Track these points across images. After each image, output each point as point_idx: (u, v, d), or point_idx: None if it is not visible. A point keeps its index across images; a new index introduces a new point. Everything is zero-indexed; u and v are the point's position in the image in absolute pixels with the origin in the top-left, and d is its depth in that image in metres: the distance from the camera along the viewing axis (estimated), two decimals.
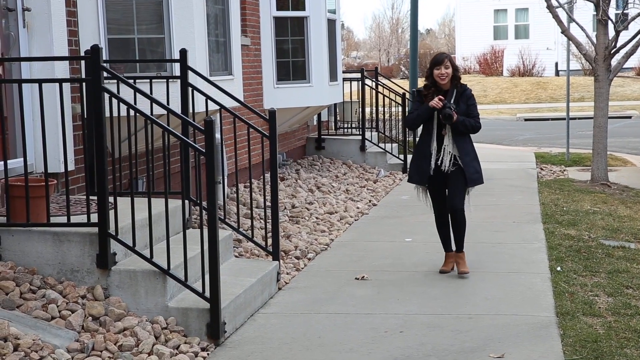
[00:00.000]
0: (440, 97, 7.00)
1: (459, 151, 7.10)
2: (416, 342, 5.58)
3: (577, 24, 13.32)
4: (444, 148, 7.10)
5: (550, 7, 13.21)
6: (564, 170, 14.71)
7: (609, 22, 12.72)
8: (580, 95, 30.83)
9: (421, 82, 7.01)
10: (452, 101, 7.08)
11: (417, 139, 7.49)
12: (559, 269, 7.41)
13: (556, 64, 38.26)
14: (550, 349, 5.40)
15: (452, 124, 7.03)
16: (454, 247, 7.36)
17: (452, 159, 7.09)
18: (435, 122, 7.11)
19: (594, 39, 12.89)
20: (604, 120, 12.85)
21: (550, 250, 8.15)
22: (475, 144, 7.21)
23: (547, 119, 27.12)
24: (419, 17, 16.51)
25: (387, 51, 60.45)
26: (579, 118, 23.90)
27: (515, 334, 5.69)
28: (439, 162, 7.10)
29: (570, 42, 13.80)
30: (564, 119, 17.69)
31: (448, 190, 7.18)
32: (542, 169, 14.74)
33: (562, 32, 13.60)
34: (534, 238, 8.76)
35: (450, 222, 7.29)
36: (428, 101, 7.09)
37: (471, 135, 7.25)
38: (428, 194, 7.35)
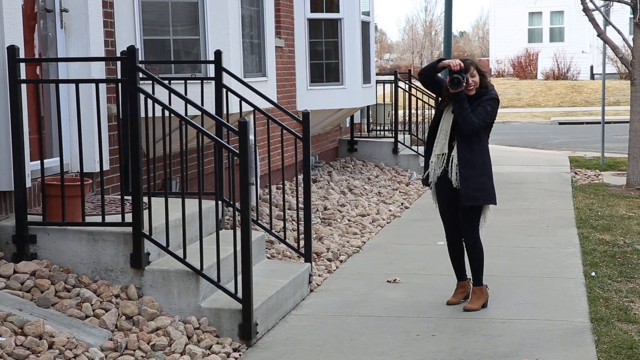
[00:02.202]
0: (462, 63, 6.14)
1: (460, 162, 6.16)
2: (448, 345, 5.55)
3: (614, 27, 13.19)
4: (452, 158, 6.22)
5: (586, 10, 13.10)
6: (599, 174, 14.57)
7: None
8: (616, 99, 30.49)
9: None
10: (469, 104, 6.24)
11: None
12: (593, 274, 7.34)
13: (591, 68, 37.91)
14: (585, 355, 5.34)
15: (455, 94, 6.08)
16: (469, 274, 6.49)
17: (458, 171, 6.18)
18: (445, 120, 6.28)
19: (631, 42, 12.75)
20: None
21: (585, 255, 8.08)
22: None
23: (582, 123, 26.87)
24: (453, 20, 16.44)
25: (420, 54, 60.28)
26: (614, 122, 23.64)
27: (549, 339, 5.64)
28: (449, 175, 6.23)
29: (607, 45, 13.66)
30: (598, 123, 17.53)
31: (459, 212, 6.31)
32: (576, 173, 14.61)
33: (598, 36, 13.47)
34: (568, 243, 8.69)
35: (466, 249, 6.41)
36: (444, 107, 6.32)
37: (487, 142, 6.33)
38: (436, 203, 6.48)
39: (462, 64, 6.13)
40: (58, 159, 5.87)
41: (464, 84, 6.11)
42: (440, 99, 6.46)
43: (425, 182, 6.47)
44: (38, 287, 5.48)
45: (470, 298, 6.40)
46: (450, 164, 6.20)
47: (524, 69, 38.63)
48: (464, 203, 6.17)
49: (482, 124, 6.15)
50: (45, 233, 5.78)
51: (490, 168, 6.29)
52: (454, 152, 6.19)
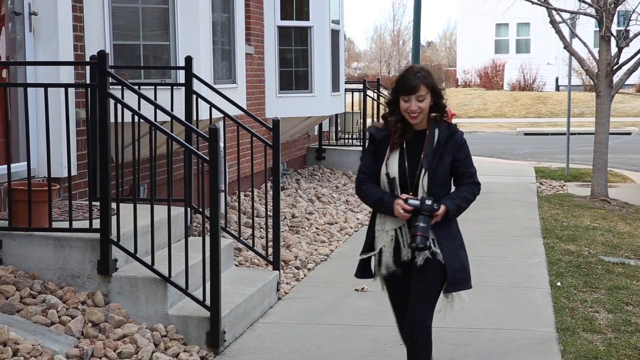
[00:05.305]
0: (404, 205, 4.29)
1: (437, 233, 4.36)
2: None
3: (580, 39, 13.35)
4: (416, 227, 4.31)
5: (553, 22, 13.24)
6: (564, 185, 14.72)
7: (612, 38, 12.75)
8: (581, 110, 30.86)
9: None
10: (430, 154, 4.33)
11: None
12: (559, 284, 7.41)
13: (557, 79, 38.33)
14: None
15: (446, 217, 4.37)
16: None
17: (428, 244, 4.34)
18: (399, 179, 4.39)
19: (597, 55, 12.92)
20: (604, 137, 12.87)
21: (550, 265, 8.15)
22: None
23: (547, 134, 27.15)
24: (421, 30, 16.55)
25: (388, 62, 60.55)
26: (579, 133, 23.92)
27: (516, 349, 5.68)
28: (412, 250, 4.40)
29: (573, 57, 13.82)
30: (563, 134, 17.72)
31: (411, 291, 4.47)
32: (541, 184, 14.75)
33: (564, 48, 13.63)
34: (534, 253, 8.76)
35: (405, 342, 4.63)
36: (387, 147, 4.40)
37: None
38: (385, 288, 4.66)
39: (410, 208, 4.30)
40: (25, 163, 5.81)
41: (430, 240, 4.33)
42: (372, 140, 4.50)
43: (364, 271, 4.63)
44: (3, 293, 5.41)
45: None
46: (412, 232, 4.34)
47: (491, 79, 38.96)
48: (451, 290, 4.46)
49: (478, 183, 4.52)
50: (11, 238, 5.71)
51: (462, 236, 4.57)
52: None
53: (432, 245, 4.37)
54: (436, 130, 4.39)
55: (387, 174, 4.40)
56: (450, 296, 4.54)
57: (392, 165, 4.40)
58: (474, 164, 4.50)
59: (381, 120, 4.51)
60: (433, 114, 4.40)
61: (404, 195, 4.34)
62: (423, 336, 4.45)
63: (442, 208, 4.34)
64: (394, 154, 4.40)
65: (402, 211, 4.31)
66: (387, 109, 4.46)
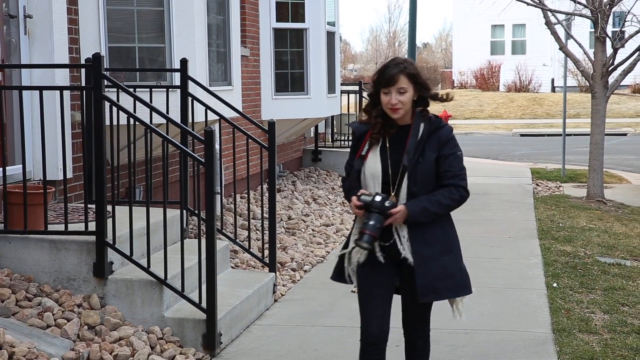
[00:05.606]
0: (355, 201, 4.02)
1: (412, 237, 4.04)
2: None
3: (576, 40, 13.37)
4: (396, 229, 4.06)
5: (548, 24, 13.27)
6: (560, 186, 14.73)
7: (607, 39, 12.77)
8: (576, 111, 30.90)
9: None
10: (413, 149, 4.00)
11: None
12: (555, 285, 7.42)
13: (552, 80, 38.37)
14: None
15: (413, 219, 4.02)
16: None
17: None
18: (382, 177, 4.07)
19: (592, 56, 12.94)
20: (600, 137, 12.89)
21: (546, 266, 8.16)
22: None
23: (543, 135, 27.19)
24: (417, 31, 16.56)
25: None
26: (575, 134, 23.95)
27: (512, 350, 5.68)
28: (399, 249, 4.08)
29: (568, 58, 13.84)
30: (559, 135, 17.74)
31: (403, 308, 4.33)
32: (537, 185, 14.77)
33: (560, 49, 13.65)
34: (530, 254, 8.77)
35: (405, 354, 4.45)
36: (368, 146, 4.10)
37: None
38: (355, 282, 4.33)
39: (359, 204, 4.00)
40: (20, 166, 5.80)
41: (376, 234, 4.00)
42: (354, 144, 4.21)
43: (341, 274, 4.39)
44: None
45: None
46: (397, 235, 4.08)
47: (487, 80, 39.00)
48: (422, 299, 4.09)
49: (465, 187, 4.07)
50: (7, 241, 5.70)
51: (456, 239, 4.19)
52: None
53: (402, 246, 4.04)
54: (421, 125, 4.04)
55: (363, 173, 4.09)
56: (454, 304, 4.27)
57: (372, 163, 4.08)
58: (462, 164, 4.08)
59: (362, 114, 4.17)
60: (419, 108, 4.08)
61: (360, 191, 4.04)
62: (423, 343, 4.39)
63: (399, 208, 3.96)
64: (373, 150, 4.09)
65: (354, 208, 4.02)
66: (368, 102, 4.13)
